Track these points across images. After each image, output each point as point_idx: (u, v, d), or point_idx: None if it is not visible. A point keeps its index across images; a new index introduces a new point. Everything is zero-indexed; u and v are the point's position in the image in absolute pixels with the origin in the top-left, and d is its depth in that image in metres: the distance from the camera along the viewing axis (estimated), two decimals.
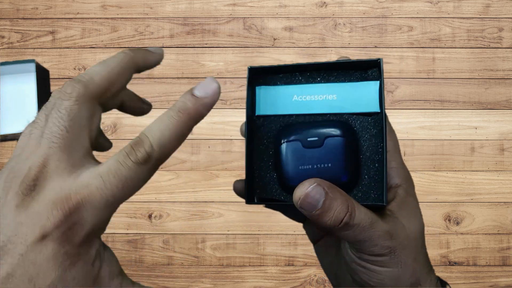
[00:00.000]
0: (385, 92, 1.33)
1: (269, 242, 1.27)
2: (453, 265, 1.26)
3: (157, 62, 0.26)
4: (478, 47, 1.34)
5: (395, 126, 1.16)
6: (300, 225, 0.35)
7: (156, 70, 1.34)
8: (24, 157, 0.21)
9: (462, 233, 1.28)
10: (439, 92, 1.33)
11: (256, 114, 0.30)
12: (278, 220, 1.26)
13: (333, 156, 0.27)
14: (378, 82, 0.28)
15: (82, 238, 0.20)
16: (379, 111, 0.28)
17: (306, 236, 0.34)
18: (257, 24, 1.36)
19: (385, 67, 1.34)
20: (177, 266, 1.26)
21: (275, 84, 0.30)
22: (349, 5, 1.36)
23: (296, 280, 1.25)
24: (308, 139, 0.27)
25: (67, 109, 0.21)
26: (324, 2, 1.36)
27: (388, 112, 1.34)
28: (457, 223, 1.28)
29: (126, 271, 1.25)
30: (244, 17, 1.36)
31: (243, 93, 1.32)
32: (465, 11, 1.35)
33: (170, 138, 0.22)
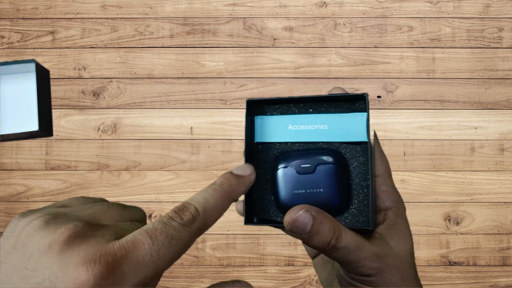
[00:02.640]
0: (385, 92, 1.33)
1: (269, 242, 1.27)
2: (453, 265, 1.26)
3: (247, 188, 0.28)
4: (478, 47, 1.34)
5: (395, 126, 1.16)
6: None
7: (156, 70, 1.34)
8: (83, 207, 0.22)
9: (462, 233, 1.28)
10: (439, 92, 1.33)
11: (255, 141, 0.32)
12: None
13: (325, 181, 0.29)
14: (365, 113, 0.30)
15: None
16: (366, 140, 0.30)
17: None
18: (257, 24, 1.36)
19: (385, 67, 1.34)
20: (177, 266, 1.26)
21: (271, 114, 0.32)
22: (349, 5, 1.36)
23: (296, 280, 1.25)
24: (302, 166, 0.30)
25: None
26: (324, 2, 1.36)
27: (388, 112, 1.35)
28: (457, 223, 1.28)
29: None
30: (244, 17, 1.36)
31: (243, 93, 1.32)
32: (465, 11, 1.35)
33: (213, 205, 0.23)
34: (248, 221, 0.32)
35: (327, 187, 0.29)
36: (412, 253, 0.31)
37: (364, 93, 0.29)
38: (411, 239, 0.31)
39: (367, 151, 0.30)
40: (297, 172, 0.30)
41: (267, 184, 0.32)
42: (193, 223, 0.21)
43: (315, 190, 0.29)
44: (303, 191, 0.29)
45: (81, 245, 0.19)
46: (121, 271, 0.18)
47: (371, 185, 0.28)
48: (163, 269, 0.20)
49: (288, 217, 0.27)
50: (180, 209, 0.22)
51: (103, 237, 0.20)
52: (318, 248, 0.27)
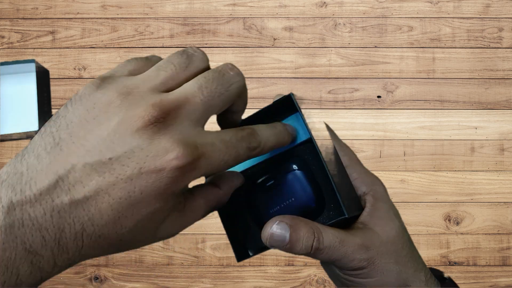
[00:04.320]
0: (385, 92, 1.33)
1: None
2: (453, 265, 1.26)
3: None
4: (478, 47, 1.34)
5: (395, 126, 1.16)
6: None
7: None
8: (171, 82, 0.23)
9: (462, 233, 1.28)
10: (439, 92, 1.33)
11: None
12: None
13: (293, 189, 0.29)
14: (297, 113, 0.29)
15: (189, 182, 0.21)
16: (309, 137, 0.29)
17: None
18: (257, 24, 1.36)
19: (385, 67, 1.34)
20: (177, 266, 1.26)
21: None
22: (349, 5, 1.36)
23: (296, 280, 1.25)
24: (267, 185, 0.30)
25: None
26: (324, 2, 1.36)
27: (388, 112, 1.34)
28: (457, 223, 1.28)
29: (126, 271, 1.25)
30: (244, 17, 1.36)
31: None
32: (465, 11, 1.35)
33: (271, 145, 0.25)
34: (241, 256, 0.31)
35: (298, 193, 0.29)
36: (402, 232, 0.30)
37: (290, 93, 0.28)
38: (398, 218, 0.30)
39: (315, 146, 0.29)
40: (265, 192, 0.30)
41: (242, 211, 0.32)
42: (255, 150, 0.24)
43: (289, 201, 0.29)
44: (278, 207, 0.29)
45: (166, 130, 0.20)
46: (199, 162, 0.21)
47: (328, 172, 0.27)
48: (222, 169, 0.23)
49: (265, 234, 0.27)
50: (251, 134, 0.24)
51: (185, 124, 0.21)
52: (303, 254, 0.27)
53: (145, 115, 0.20)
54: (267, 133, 0.25)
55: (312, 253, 0.27)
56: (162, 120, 0.20)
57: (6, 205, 0.18)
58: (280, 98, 0.29)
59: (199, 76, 0.23)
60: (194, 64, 0.24)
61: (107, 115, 0.20)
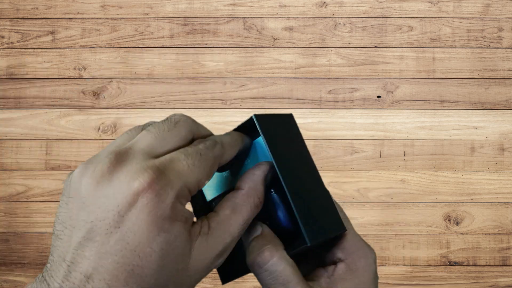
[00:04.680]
0: (385, 92, 1.33)
1: None
2: (453, 265, 1.26)
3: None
4: (478, 47, 1.34)
5: (395, 126, 1.16)
6: None
7: (156, 70, 1.34)
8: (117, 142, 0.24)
9: (462, 233, 1.28)
10: (439, 92, 1.33)
11: (208, 200, 0.31)
12: None
13: (269, 213, 0.27)
14: (260, 137, 0.28)
15: (173, 199, 0.21)
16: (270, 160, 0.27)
17: None
18: (257, 24, 1.36)
19: (385, 67, 1.34)
20: None
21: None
22: (349, 5, 1.36)
23: None
24: None
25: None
26: (324, 2, 1.36)
27: (388, 112, 1.34)
28: (457, 223, 1.28)
29: None
30: (244, 17, 1.36)
31: (243, 93, 1.32)
32: (465, 11, 1.35)
33: (229, 141, 0.26)
34: (226, 279, 0.30)
35: (273, 216, 0.27)
36: None
37: (252, 116, 0.27)
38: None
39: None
40: None
41: None
42: (215, 147, 0.24)
43: (266, 223, 0.27)
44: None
45: (122, 168, 0.21)
46: (166, 177, 0.21)
47: (291, 200, 0.26)
48: (199, 179, 0.23)
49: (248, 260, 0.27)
50: (201, 139, 0.24)
51: (140, 158, 0.21)
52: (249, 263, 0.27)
53: (99, 167, 0.21)
54: (220, 136, 0.26)
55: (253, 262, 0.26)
56: (115, 163, 0.21)
57: None
58: (243, 122, 0.28)
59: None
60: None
61: (77, 194, 0.22)
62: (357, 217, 1.29)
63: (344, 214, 0.30)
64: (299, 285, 0.25)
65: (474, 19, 1.35)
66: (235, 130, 0.29)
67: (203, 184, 0.23)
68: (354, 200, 1.30)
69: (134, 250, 0.20)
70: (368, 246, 0.28)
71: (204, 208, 0.31)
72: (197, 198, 0.31)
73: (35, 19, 1.37)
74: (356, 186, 1.30)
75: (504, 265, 1.26)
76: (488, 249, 1.27)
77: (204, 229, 0.23)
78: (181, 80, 1.34)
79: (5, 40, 1.36)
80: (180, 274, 0.22)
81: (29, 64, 1.35)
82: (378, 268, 1.27)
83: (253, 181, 0.26)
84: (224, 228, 0.24)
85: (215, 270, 0.29)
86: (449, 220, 1.28)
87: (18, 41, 1.36)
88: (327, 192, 0.29)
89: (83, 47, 1.36)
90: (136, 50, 1.35)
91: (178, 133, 0.23)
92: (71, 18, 1.37)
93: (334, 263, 0.28)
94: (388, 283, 1.27)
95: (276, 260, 0.25)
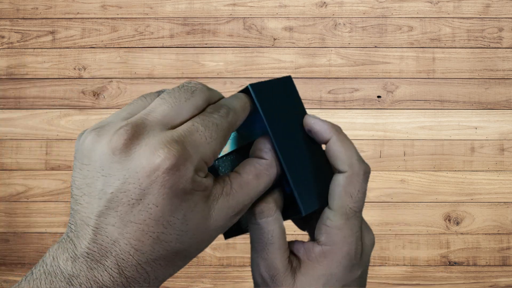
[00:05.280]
0: (385, 92, 1.33)
1: None
2: (453, 265, 1.26)
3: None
4: (478, 47, 1.34)
5: (395, 126, 1.15)
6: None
7: (156, 70, 1.34)
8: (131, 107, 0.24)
9: (462, 233, 1.28)
10: (439, 92, 1.33)
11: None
12: None
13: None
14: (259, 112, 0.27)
15: (192, 173, 0.21)
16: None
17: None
18: (257, 24, 1.36)
19: (385, 67, 1.34)
20: None
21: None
22: (349, 5, 1.36)
23: None
24: None
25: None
26: (324, 2, 1.36)
27: (388, 112, 1.34)
28: (457, 223, 1.28)
29: None
30: (244, 17, 1.36)
31: None
32: (465, 11, 1.35)
33: (238, 107, 0.25)
34: (228, 235, 0.31)
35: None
36: None
37: (247, 85, 0.27)
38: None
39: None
40: None
41: None
42: (229, 115, 0.24)
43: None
44: None
45: (141, 142, 0.21)
46: (185, 151, 0.21)
47: (287, 172, 0.26)
48: (215, 151, 0.23)
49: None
50: (215, 107, 0.24)
51: (157, 130, 0.22)
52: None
53: (115, 138, 0.21)
54: (231, 101, 0.25)
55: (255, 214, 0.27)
56: (132, 135, 0.21)
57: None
58: (240, 91, 0.27)
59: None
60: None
61: (92, 159, 0.22)
62: None
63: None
64: (281, 249, 0.27)
65: (474, 19, 1.35)
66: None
67: (218, 154, 0.24)
68: None
69: (157, 220, 0.21)
70: (359, 241, 0.28)
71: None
72: None
73: (35, 19, 1.37)
74: None
75: (504, 265, 1.26)
76: (488, 249, 1.27)
77: (226, 189, 0.24)
78: (181, 80, 1.34)
79: (5, 40, 1.36)
80: (202, 233, 0.23)
81: (29, 64, 1.35)
82: (378, 268, 1.27)
83: (273, 153, 0.26)
84: (246, 191, 0.25)
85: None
86: (449, 220, 1.28)
87: (18, 41, 1.36)
88: (324, 158, 0.29)
89: (83, 47, 1.36)
90: (136, 50, 1.35)
91: (195, 103, 0.23)
92: (71, 18, 1.37)
93: (318, 241, 0.28)
94: (388, 283, 1.27)
95: (270, 220, 0.26)
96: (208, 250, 1.26)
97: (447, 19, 1.35)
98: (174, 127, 0.22)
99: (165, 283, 1.26)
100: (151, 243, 0.21)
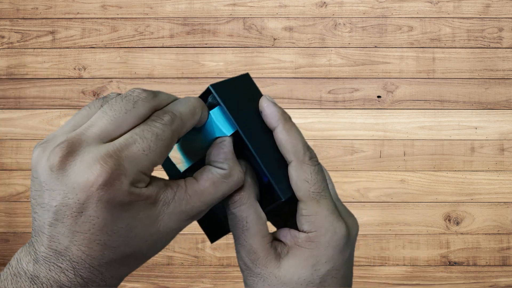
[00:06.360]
0: (385, 92, 1.33)
1: None
2: (453, 265, 1.26)
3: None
4: (478, 47, 1.34)
5: (395, 126, 1.15)
6: None
7: (156, 70, 1.34)
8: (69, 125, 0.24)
9: (462, 233, 1.28)
10: (439, 92, 1.33)
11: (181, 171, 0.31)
12: None
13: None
14: (218, 107, 0.27)
15: (128, 186, 0.21)
16: (227, 134, 0.27)
17: None
18: (257, 24, 1.36)
19: (385, 67, 1.34)
20: (177, 266, 1.26)
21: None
22: (349, 5, 1.36)
23: None
24: None
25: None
26: (324, 2, 1.36)
27: (388, 112, 1.35)
28: (457, 223, 1.28)
29: None
30: (244, 17, 1.36)
31: None
32: (465, 11, 1.35)
33: (186, 111, 0.25)
34: (214, 238, 0.31)
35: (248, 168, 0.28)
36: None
37: (208, 86, 0.27)
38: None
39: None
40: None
41: None
42: (173, 122, 0.24)
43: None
44: None
45: (76, 158, 0.21)
46: (119, 166, 0.21)
47: (261, 163, 0.27)
48: (155, 162, 0.23)
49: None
50: (159, 114, 0.24)
51: (93, 146, 0.22)
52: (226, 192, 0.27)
53: (52, 156, 0.21)
54: (179, 105, 0.25)
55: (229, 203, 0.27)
56: (67, 153, 0.21)
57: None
58: (201, 94, 0.28)
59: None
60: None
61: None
62: (357, 217, 1.29)
63: (329, 177, 0.32)
64: (258, 234, 0.27)
65: (474, 19, 1.35)
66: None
67: (158, 164, 0.24)
68: (354, 200, 1.30)
69: (101, 230, 0.22)
70: (340, 221, 0.28)
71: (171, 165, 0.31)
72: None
73: (35, 19, 1.37)
74: (356, 186, 1.30)
75: (504, 265, 1.26)
76: (488, 249, 1.27)
77: (179, 195, 0.24)
78: (181, 80, 1.34)
79: (5, 40, 1.36)
80: (152, 236, 0.23)
81: (29, 64, 1.35)
82: (378, 268, 1.27)
83: (233, 160, 0.26)
84: (201, 199, 0.25)
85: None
86: (449, 220, 1.28)
87: (18, 41, 1.36)
88: None
89: (83, 47, 1.36)
90: (136, 50, 1.35)
91: (136, 113, 0.23)
92: (71, 18, 1.37)
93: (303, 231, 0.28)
94: (388, 283, 1.27)
95: (244, 208, 0.27)
96: (208, 250, 1.26)
97: (447, 19, 1.35)
98: (112, 140, 0.22)
99: (165, 283, 1.26)
100: (100, 249, 0.22)
